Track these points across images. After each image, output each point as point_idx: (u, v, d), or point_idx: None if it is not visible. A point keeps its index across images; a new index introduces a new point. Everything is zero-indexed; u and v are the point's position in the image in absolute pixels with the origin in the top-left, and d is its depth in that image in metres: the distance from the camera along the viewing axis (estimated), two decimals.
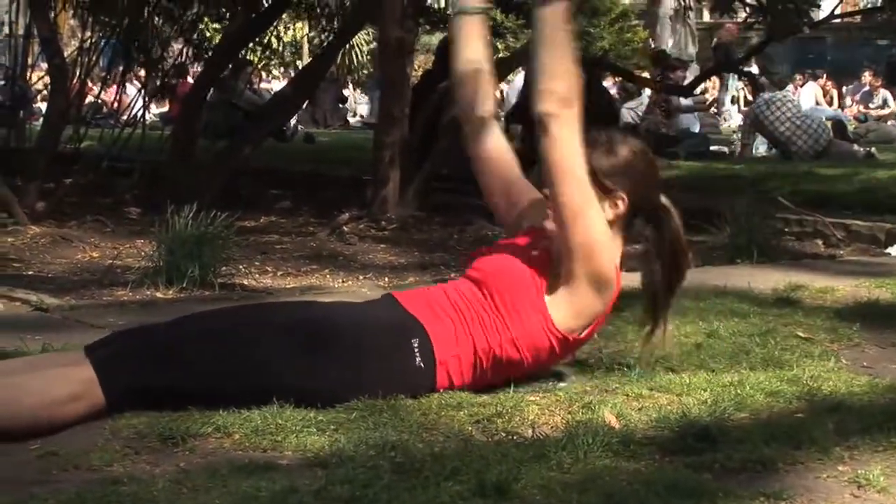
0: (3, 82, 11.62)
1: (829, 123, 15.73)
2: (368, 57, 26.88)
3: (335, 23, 12.31)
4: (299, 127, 18.46)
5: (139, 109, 11.28)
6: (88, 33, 10.74)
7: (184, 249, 5.74)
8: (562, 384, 3.63)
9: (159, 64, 11.74)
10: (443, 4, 16.39)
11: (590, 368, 3.93)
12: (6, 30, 11.56)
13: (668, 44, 21.43)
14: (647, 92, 15.90)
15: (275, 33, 13.87)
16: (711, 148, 15.37)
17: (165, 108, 18.11)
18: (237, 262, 6.29)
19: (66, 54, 10.19)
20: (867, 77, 24.34)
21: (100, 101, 13.76)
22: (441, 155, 9.02)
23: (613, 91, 19.20)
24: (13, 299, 5.28)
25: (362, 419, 3.14)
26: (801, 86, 23.05)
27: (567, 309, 3.48)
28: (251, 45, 11.95)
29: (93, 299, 5.52)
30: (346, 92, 25.05)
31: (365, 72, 27.78)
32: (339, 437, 2.99)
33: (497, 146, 3.78)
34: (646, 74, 17.01)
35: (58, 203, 8.73)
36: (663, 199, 3.68)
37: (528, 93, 15.90)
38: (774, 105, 14.39)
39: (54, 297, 5.32)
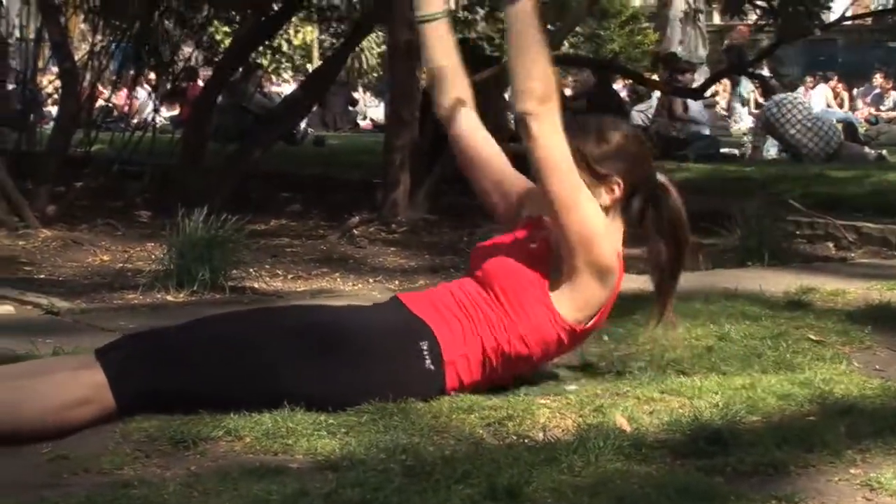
0: (14, 86, 11.62)
1: (839, 126, 15.71)
2: (378, 60, 26.89)
3: (345, 26, 12.31)
4: (309, 130, 18.47)
5: (150, 113, 11.29)
6: (99, 37, 10.75)
7: (194, 253, 5.74)
8: (572, 387, 3.62)
9: (170, 67, 11.75)
10: (452, 6, 16.38)
11: (600, 372, 3.93)
12: (17, 34, 11.57)
13: (679, 46, 21.42)
14: (657, 94, 15.88)
15: (285, 37, 13.89)
16: (722, 150, 15.35)
17: (176, 112, 18.13)
18: (247, 265, 6.28)
19: (76, 58, 10.20)
20: (878, 79, 24.32)
21: (110, 104, 13.77)
22: (451, 158, 9.00)
23: (623, 94, 19.23)
24: (24, 303, 5.28)
25: (373, 422, 3.13)
26: (812, 88, 23.02)
27: (572, 301, 3.47)
28: (261, 48, 11.96)
29: (103, 303, 5.52)
30: (356, 95, 25.05)
31: (375, 75, 27.80)
32: (350, 440, 2.99)
33: (482, 142, 3.76)
34: (655, 77, 16.99)
35: (68, 207, 8.74)
36: (660, 177, 3.67)
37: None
38: (785, 107, 14.37)
39: (65, 301, 5.32)
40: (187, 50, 12.45)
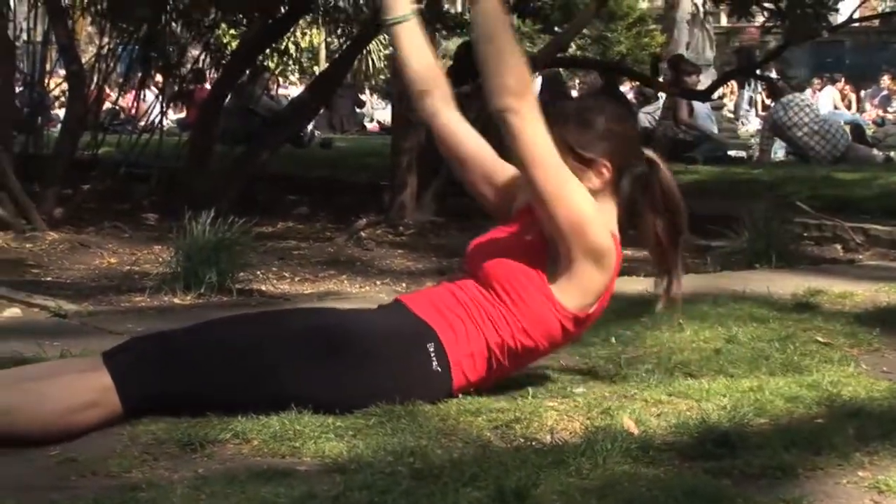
0: (21, 89, 11.63)
1: (847, 127, 15.70)
2: (385, 62, 26.89)
3: (352, 28, 12.31)
4: (316, 132, 18.48)
5: (157, 115, 11.30)
6: (106, 39, 10.76)
7: (201, 255, 5.74)
8: (579, 389, 3.62)
9: (176, 70, 11.75)
10: (459, 9, 16.38)
11: (608, 374, 3.93)
12: (24, 36, 11.58)
13: (686, 48, 21.40)
14: (663, 96, 15.88)
15: (292, 39, 13.89)
16: (730, 152, 15.34)
17: (183, 115, 18.14)
18: (254, 267, 6.29)
19: (83, 60, 10.21)
20: (886, 81, 24.33)
21: (117, 107, 13.78)
22: None
23: (630, 96, 19.22)
24: (31, 305, 5.29)
25: (380, 425, 3.13)
26: (820, 90, 23.02)
27: (572, 289, 3.46)
28: (268, 50, 11.95)
29: (111, 305, 5.52)
30: (363, 97, 25.07)
31: (382, 77, 27.80)
32: (358, 442, 2.99)
33: (466, 136, 3.70)
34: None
35: (76, 209, 8.74)
36: (647, 153, 3.66)
37: (547, 92, 15.95)
38: (792, 110, 14.37)
39: (72, 304, 5.32)
40: (194, 52, 12.45)
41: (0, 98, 9.31)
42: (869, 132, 18.07)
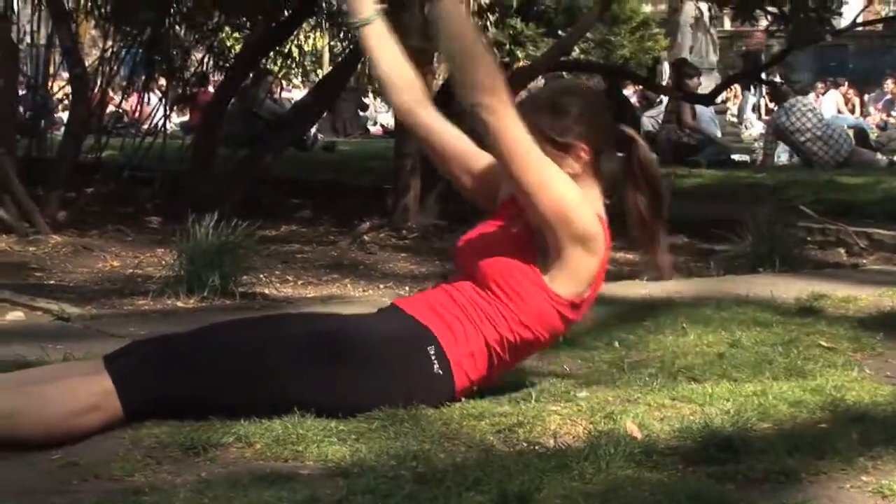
0: (24, 92, 11.64)
1: (851, 132, 15.70)
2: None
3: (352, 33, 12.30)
4: (319, 136, 18.48)
5: (160, 119, 11.31)
6: (109, 42, 10.77)
7: (204, 259, 5.74)
8: (582, 393, 3.62)
9: (180, 73, 11.75)
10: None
11: (611, 378, 3.92)
12: (27, 39, 11.58)
13: (689, 52, 21.40)
14: (666, 100, 15.88)
15: (295, 42, 13.89)
16: (733, 156, 15.34)
17: (186, 118, 18.15)
18: (258, 271, 6.29)
19: (87, 64, 10.21)
20: (889, 85, 24.32)
21: (121, 110, 13.78)
22: None
23: (634, 99, 19.22)
24: (35, 308, 5.29)
25: (383, 429, 3.13)
26: (823, 94, 23.02)
27: (565, 277, 3.45)
28: (272, 54, 11.96)
29: (114, 308, 5.52)
30: (366, 101, 25.06)
31: None
32: (361, 446, 2.99)
33: (443, 130, 3.68)
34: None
35: (79, 212, 8.74)
36: (624, 130, 3.65)
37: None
38: (794, 115, 14.36)
39: (75, 307, 5.32)
40: (198, 56, 12.45)
41: (3, 101, 9.31)
42: (872, 136, 18.06)
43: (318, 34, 20.20)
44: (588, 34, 20.47)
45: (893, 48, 30.54)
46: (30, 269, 6.84)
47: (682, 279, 6.51)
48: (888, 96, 24.11)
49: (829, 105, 22.10)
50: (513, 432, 3.15)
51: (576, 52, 19.80)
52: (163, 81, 12.69)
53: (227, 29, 12.63)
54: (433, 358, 3.37)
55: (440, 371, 3.37)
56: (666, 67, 23.51)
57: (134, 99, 13.64)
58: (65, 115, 12.38)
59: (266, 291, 6.14)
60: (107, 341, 4.24)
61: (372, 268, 7.27)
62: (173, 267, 5.90)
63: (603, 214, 3.53)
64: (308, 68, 25.58)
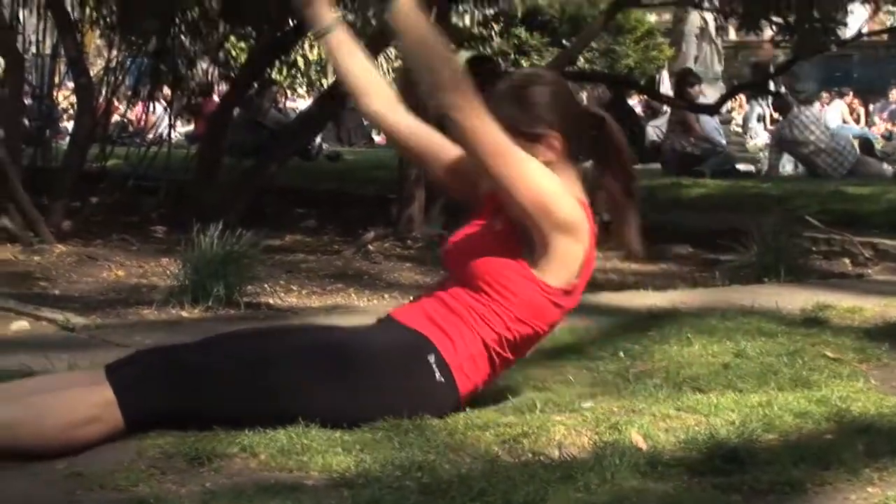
0: (30, 101, 11.66)
1: (856, 142, 15.68)
2: (393, 76, 26.92)
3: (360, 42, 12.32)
4: (324, 145, 18.50)
5: (165, 128, 11.32)
6: (115, 52, 10.78)
7: (209, 268, 5.74)
8: (587, 404, 3.61)
9: (185, 83, 11.77)
10: (468, 23, 16.41)
11: (616, 388, 3.92)
12: (33, 49, 11.60)
13: (694, 62, 21.42)
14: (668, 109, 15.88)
15: (300, 52, 13.91)
16: (738, 166, 15.33)
17: (191, 127, 18.17)
18: (262, 280, 6.28)
19: (92, 73, 10.22)
20: (894, 95, 24.29)
21: (126, 119, 13.80)
22: None
23: (639, 109, 19.23)
24: (39, 318, 5.29)
25: (388, 439, 3.13)
26: (828, 104, 23.01)
27: (553, 267, 3.43)
28: (277, 64, 11.97)
29: (119, 318, 5.52)
30: None
31: None
32: (365, 457, 2.98)
33: (417, 130, 3.65)
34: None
35: (84, 222, 8.75)
36: (591, 109, 3.64)
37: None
38: (797, 128, 14.36)
39: (80, 317, 5.32)
40: (203, 65, 12.47)
41: (9, 111, 9.32)
42: (878, 146, 18.05)
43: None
44: (593, 44, 20.49)
45: None
46: (34, 279, 6.84)
47: (687, 289, 6.51)
48: (893, 106, 24.11)
49: (835, 115, 22.09)
50: (518, 443, 3.14)
51: (581, 62, 19.81)
52: (168, 91, 12.71)
53: (232, 38, 12.65)
54: (434, 366, 3.36)
55: (442, 379, 3.36)
56: (665, 76, 23.48)
57: (139, 108, 13.66)
58: (70, 125, 12.39)
59: (271, 301, 6.14)
60: (112, 351, 4.23)
61: (377, 277, 7.26)
62: (178, 277, 5.90)
63: (584, 198, 3.51)
64: (313, 78, 25.61)
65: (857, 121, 23.36)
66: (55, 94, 12.24)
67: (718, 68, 21.65)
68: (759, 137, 21.52)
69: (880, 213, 9.77)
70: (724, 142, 15.75)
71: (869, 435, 3.23)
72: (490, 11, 15.11)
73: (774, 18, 10.02)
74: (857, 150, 15.04)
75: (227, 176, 10.08)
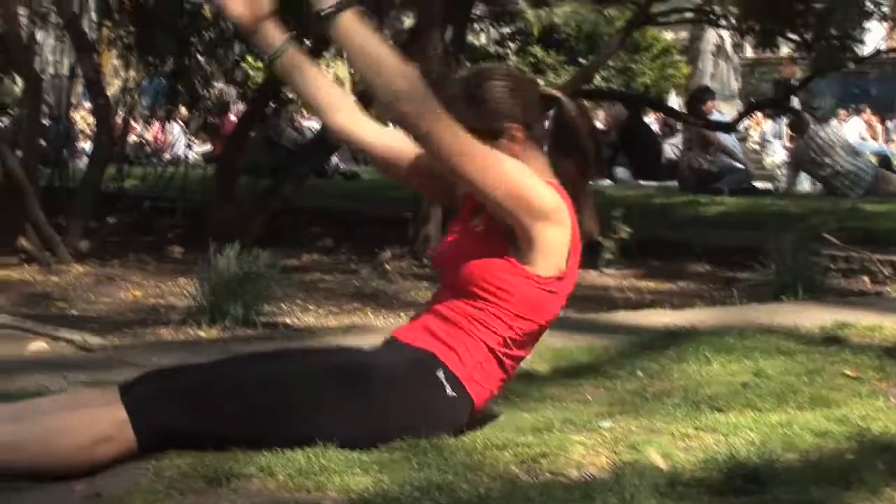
0: (48, 122, 11.71)
1: (874, 158, 15.64)
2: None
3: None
4: (340, 164, 18.51)
5: (182, 148, 11.35)
6: (132, 72, 10.82)
7: (227, 288, 5.75)
8: (606, 423, 3.59)
9: (202, 103, 11.80)
10: (483, 41, 16.43)
11: (635, 408, 3.90)
12: (51, 70, 11.65)
13: (710, 79, 21.42)
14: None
15: None
16: (756, 184, 15.30)
17: (208, 147, 18.20)
18: (279, 300, 6.29)
19: (109, 93, 10.25)
20: None
21: (143, 140, 13.84)
22: None
23: (656, 126, 19.21)
24: (57, 339, 5.30)
25: (406, 459, 3.11)
26: (846, 121, 22.97)
27: (541, 256, 3.40)
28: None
29: (136, 338, 5.53)
30: None
31: None
32: (384, 477, 2.97)
33: (390, 139, 3.61)
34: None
35: (101, 242, 8.77)
36: (545, 91, 3.61)
37: None
38: (815, 149, 14.33)
39: (98, 337, 5.33)
40: (219, 85, 12.50)
41: (27, 131, 9.35)
42: (895, 162, 18.01)
43: (339, 63, 20.26)
44: (609, 62, 20.50)
45: None
46: (52, 299, 6.86)
47: (705, 308, 6.50)
48: None
49: (853, 132, 22.04)
50: (536, 462, 3.13)
51: (597, 80, 19.80)
52: (185, 111, 12.74)
53: (248, 58, 12.68)
54: (444, 382, 3.34)
55: (454, 393, 3.35)
56: (673, 95, 23.46)
57: (156, 128, 13.69)
58: (86, 145, 12.43)
59: (288, 321, 6.14)
60: (129, 371, 4.22)
61: (394, 297, 7.26)
62: (195, 297, 5.90)
63: (554, 181, 3.48)
64: None
65: (875, 137, 23.32)
66: (72, 114, 12.28)
67: (735, 85, 21.64)
68: (776, 154, 21.48)
69: None
70: (742, 159, 15.73)
71: (890, 454, 3.20)
72: (506, 30, 15.10)
73: (791, 36, 10.02)
74: (876, 168, 14.98)
75: (243, 196, 10.10)
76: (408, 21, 13.29)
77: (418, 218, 9.18)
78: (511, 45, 15.76)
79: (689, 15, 12.18)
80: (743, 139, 18.50)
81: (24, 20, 9.93)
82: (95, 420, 3.14)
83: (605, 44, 17.47)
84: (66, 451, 3.07)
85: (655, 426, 3.51)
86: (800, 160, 14.72)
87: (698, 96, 15.32)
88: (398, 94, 3.28)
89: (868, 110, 24.62)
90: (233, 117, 14.49)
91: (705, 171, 14.61)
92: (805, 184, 15.29)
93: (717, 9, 11.06)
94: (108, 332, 5.62)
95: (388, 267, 8.36)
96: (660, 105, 16.63)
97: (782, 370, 4.38)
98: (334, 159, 17.23)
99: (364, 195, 13.76)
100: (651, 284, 7.69)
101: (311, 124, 23.07)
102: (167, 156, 12.14)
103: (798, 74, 17.32)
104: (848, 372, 4.40)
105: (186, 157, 11.28)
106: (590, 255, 8.32)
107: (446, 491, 2.82)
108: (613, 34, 14.50)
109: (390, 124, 3.65)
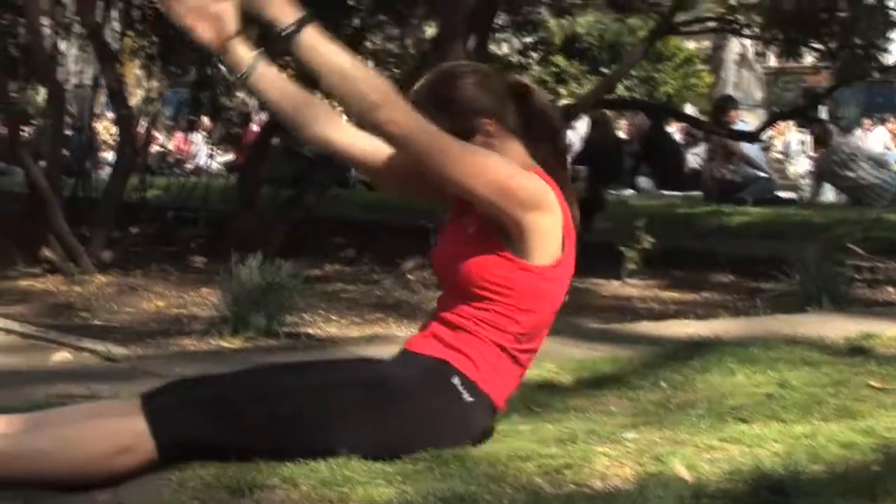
0: (71, 132, 11.75)
1: None
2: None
3: (399, 71, 12.37)
4: None
5: (204, 158, 11.37)
6: (155, 83, 10.85)
7: (249, 299, 5.75)
8: (630, 434, 3.58)
9: (224, 112, 11.82)
10: (506, 51, 16.42)
11: (658, 419, 3.88)
12: (74, 80, 11.70)
13: (733, 89, 21.38)
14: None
15: None
16: (780, 193, 15.26)
17: (230, 157, 18.24)
18: (302, 311, 6.28)
19: (132, 103, 10.28)
20: None
21: (165, 150, 13.87)
22: None
23: (678, 136, 19.18)
24: (81, 349, 5.31)
25: (429, 470, 3.10)
26: (870, 130, 22.91)
27: (536, 245, 3.37)
28: (315, 92, 12.01)
29: (159, 349, 5.53)
30: None
31: None
32: (407, 488, 2.96)
33: (371, 147, 3.58)
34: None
35: (124, 252, 8.79)
36: (511, 80, 3.59)
37: (590, 136, 15.92)
38: (837, 163, 14.29)
39: (121, 347, 5.34)
40: (241, 95, 12.53)
41: (50, 141, 9.38)
42: None
43: None
44: (632, 71, 20.48)
45: None
46: (75, 310, 6.87)
47: (729, 318, 6.47)
48: None
49: (877, 141, 21.99)
50: (560, 474, 3.11)
51: (620, 90, 19.79)
52: (207, 121, 12.77)
53: None
54: (460, 388, 3.32)
55: (471, 398, 3.33)
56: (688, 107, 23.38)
57: (178, 138, 13.73)
58: (109, 156, 12.47)
59: (310, 331, 6.13)
60: (152, 382, 4.21)
61: (416, 307, 7.25)
62: (218, 307, 5.90)
63: (535, 166, 3.46)
64: None
65: None
66: (95, 124, 12.31)
67: (758, 95, 21.59)
68: (800, 164, 21.43)
69: None
70: (765, 168, 15.69)
71: None
72: (529, 39, 15.08)
73: (816, 45, 10.00)
74: None
75: (266, 205, 10.11)
76: (430, 30, 13.30)
77: (440, 227, 9.16)
78: (533, 54, 15.73)
79: (712, 24, 12.16)
80: (766, 149, 18.44)
81: (47, 31, 9.96)
82: (115, 430, 3.13)
83: (628, 53, 17.46)
84: (86, 462, 3.07)
85: (680, 437, 3.49)
86: (823, 171, 14.67)
87: (722, 106, 15.29)
88: (371, 104, 3.26)
89: (893, 119, 24.53)
90: (255, 127, 14.49)
91: (728, 180, 14.57)
92: (829, 194, 15.24)
93: (740, 18, 11.04)
94: (131, 342, 5.62)
95: (410, 277, 8.35)
96: (682, 115, 16.58)
97: (807, 381, 4.36)
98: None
99: (386, 205, 13.74)
100: (674, 295, 7.66)
101: None
102: (189, 166, 12.16)
103: (824, 84, 17.27)
104: (873, 383, 4.38)
105: (208, 167, 11.28)
106: (613, 265, 8.33)
107: (469, 502, 2.82)
108: (636, 43, 14.49)
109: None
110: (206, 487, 2.99)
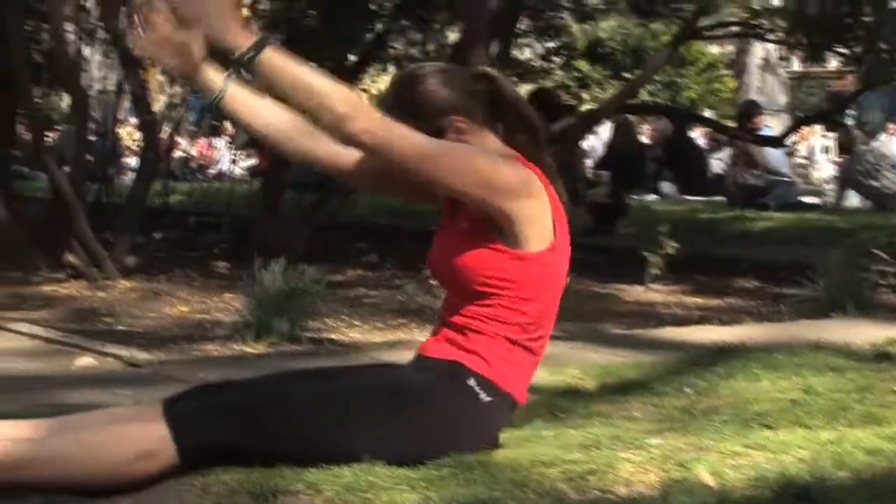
0: (95, 138, 11.79)
1: None
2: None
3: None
4: None
5: (227, 163, 11.39)
6: (178, 88, 10.87)
7: (272, 304, 5.75)
8: (654, 441, 3.57)
9: None
10: (529, 56, 16.42)
11: (683, 424, 3.87)
12: (97, 86, 11.74)
13: (757, 93, 21.32)
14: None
15: (361, 87, 13.97)
16: (803, 199, 15.22)
17: (253, 162, 18.27)
18: (325, 316, 6.29)
19: (155, 109, 10.31)
20: None
21: (188, 155, 13.91)
22: None
23: (702, 141, 19.15)
24: (105, 354, 5.32)
25: (453, 476, 3.09)
26: (894, 134, 22.82)
27: (528, 232, 3.34)
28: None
29: (183, 354, 5.54)
30: None
31: None
32: (431, 494, 2.95)
33: (339, 153, 3.63)
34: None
35: (147, 257, 8.81)
36: (477, 71, 3.56)
37: (613, 141, 15.90)
38: (861, 171, 14.24)
39: (145, 352, 5.35)
40: None
41: (74, 147, 9.41)
42: None
43: (383, 78, 20.34)
44: (655, 76, 20.46)
45: None
46: (99, 315, 6.89)
47: (754, 324, 6.46)
48: None
49: None
50: (584, 480, 3.10)
51: (643, 94, 19.77)
52: (230, 126, 12.79)
53: None
54: (476, 389, 3.31)
55: (488, 398, 3.32)
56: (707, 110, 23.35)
57: (201, 144, 13.76)
58: (132, 161, 12.50)
59: (333, 337, 6.14)
60: (176, 387, 4.21)
61: (439, 312, 7.23)
62: (241, 312, 5.91)
63: (511, 152, 3.45)
64: None
65: None
66: (119, 130, 12.35)
67: (782, 99, 21.53)
68: (824, 169, 21.37)
69: None
70: (789, 174, 15.65)
71: None
72: (551, 44, 15.09)
73: (840, 49, 9.97)
74: None
75: (289, 211, 10.12)
76: (452, 36, 13.31)
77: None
78: (556, 59, 15.75)
79: (735, 29, 12.13)
80: (790, 153, 18.39)
81: (71, 36, 9.99)
82: (137, 436, 3.13)
83: (651, 58, 17.44)
84: (107, 467, 3.07)
85: (704, 443, 3.48)
86: (848, 179, 14.64)
87: (747, 111, 15.26)
88: (341, 116, 3.24)
89: None
90: None
91: (752, 185, 14.54)
92: (853, 199, 15.20)
93: (764, 22, 11.02)
94: (154, 347, 5.64)
95: (432, 282, 8.34)
96: (707, 119, 16.56)
97: (832, 387, 4.34)
98: None
99: (408, 210, 13.74)
100: (698, 300, 7.65)
101: None
102: (212, 171, 12.19)
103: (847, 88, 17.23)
104: None
105: (231, 172, 11.30)
106: (636, 270, 8.32)
107: None
108: (659, 48, 14.48)
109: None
110: (230, 493, 2.99)
